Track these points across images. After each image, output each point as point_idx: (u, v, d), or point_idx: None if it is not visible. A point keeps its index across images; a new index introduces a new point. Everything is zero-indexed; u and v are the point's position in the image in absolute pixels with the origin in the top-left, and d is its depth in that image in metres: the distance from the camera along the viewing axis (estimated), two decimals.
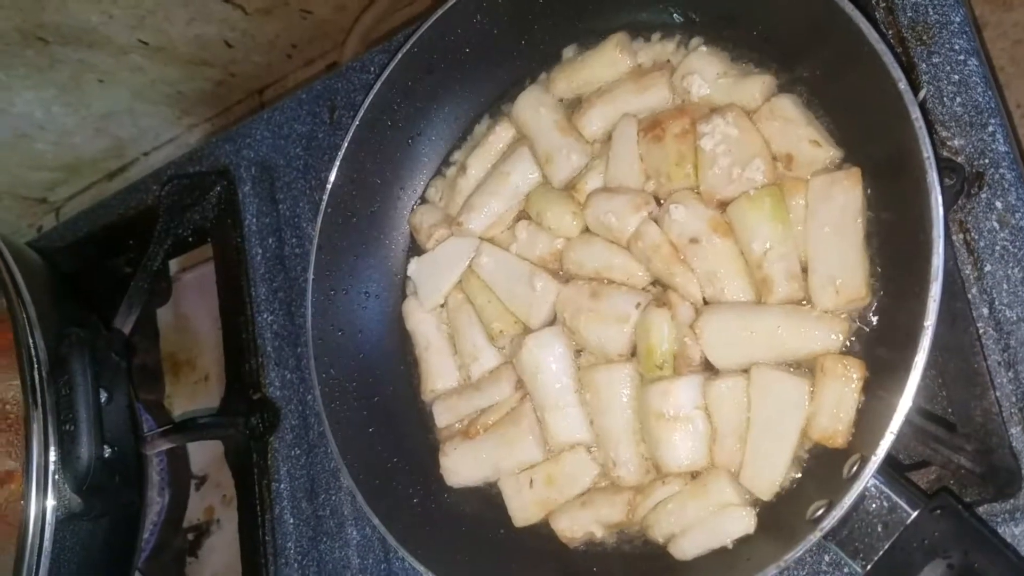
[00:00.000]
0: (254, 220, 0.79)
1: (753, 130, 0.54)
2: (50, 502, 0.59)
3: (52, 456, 0.58)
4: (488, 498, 0.59)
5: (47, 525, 0.59)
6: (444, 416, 0.61)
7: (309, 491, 0.73)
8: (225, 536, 0.91)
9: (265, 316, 0.77)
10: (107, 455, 0.58)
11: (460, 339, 0.61)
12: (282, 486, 0.74)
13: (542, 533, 0.57)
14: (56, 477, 0.58)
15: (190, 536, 0.88)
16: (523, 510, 0.56)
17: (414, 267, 0.63)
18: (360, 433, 0.61)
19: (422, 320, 0.63)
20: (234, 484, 0.76)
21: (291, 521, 0.74)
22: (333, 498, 0.72)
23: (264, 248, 0.78)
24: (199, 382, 0.92)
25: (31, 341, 0.60)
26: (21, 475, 0.74)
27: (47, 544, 0.59)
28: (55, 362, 0.57)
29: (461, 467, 0.59)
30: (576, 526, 0.54)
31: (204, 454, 0.93)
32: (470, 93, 0.64)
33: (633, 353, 0.54)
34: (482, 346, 0.60)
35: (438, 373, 0.62)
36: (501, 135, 0.63)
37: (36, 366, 0.59)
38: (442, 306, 0.63)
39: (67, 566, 0.60)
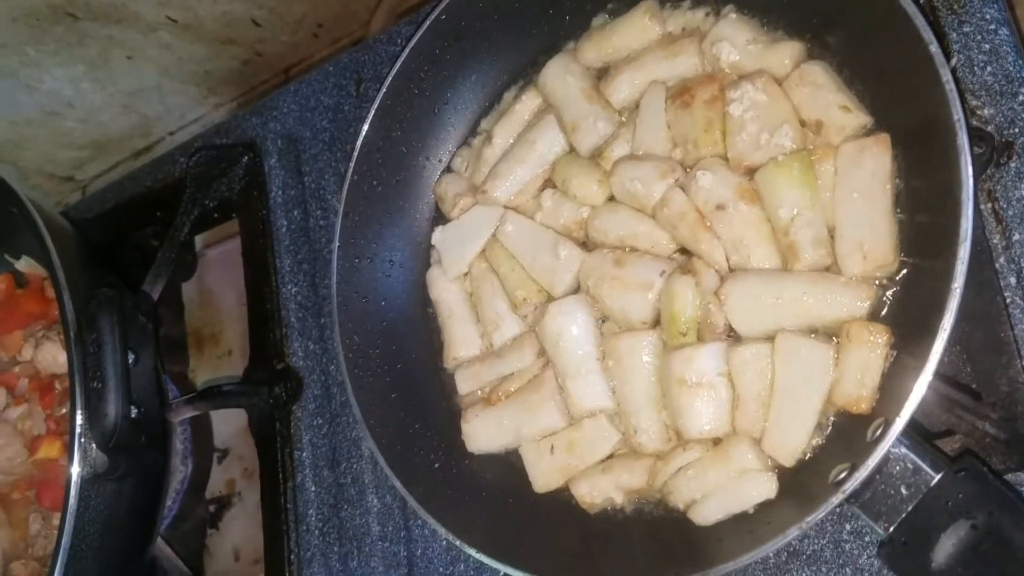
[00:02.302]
0: (280, 192, 0.79)
1: (782, 96, 0.54)
2: (76, 459, 0.60)
3: (80, 414, 0.59)
4: (508, 464, 0.60)
5: (72, 483, 0.60)
6: (466, 383, 0.61)
7: (331, 459, 0.74)
8: (246, 508, 0.92)
9: (289, 287, 0.78)
10: (133, 415, 0.59)
11: (483, 307, 0.62)
12: (304, 454, 0.75)
13: (562, 499, 0.57)
14: (82, 436, 0.59)
15: (211, 508, 0.89)
16: (543, 476, 0.57)
17: (438, 236, 0.64)
18: (383, 399, 0.62)
19: (446, 288, 0.63)
20: (257, 453, 0.77)
21: (313, 489, 0.75)
22: (354, 466, 0.73)
23: (289, 220, 0.79)
24: (222, 356, 0.93)
25: (61, 301, 0.61)
26: (55, 439, 0.76)
27: (72, 501, 0.60)
28: (83, 322, 0.58)
29: (482, 433, 0.59)
30: (596, 492, 0.54)
31: (226, 428, 0.94)
32: (498, 61, 0.64)
33: (657, 321, 0.55)
34: (505, 314, 0.61)
35: (461, 341, 0.62)
36: (528, 104, 0.63)
37: (65, 326, 0.60)
38: (466, 274, 0.63)
39: (91, 525, 0.61)
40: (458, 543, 0.54)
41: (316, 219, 0.77)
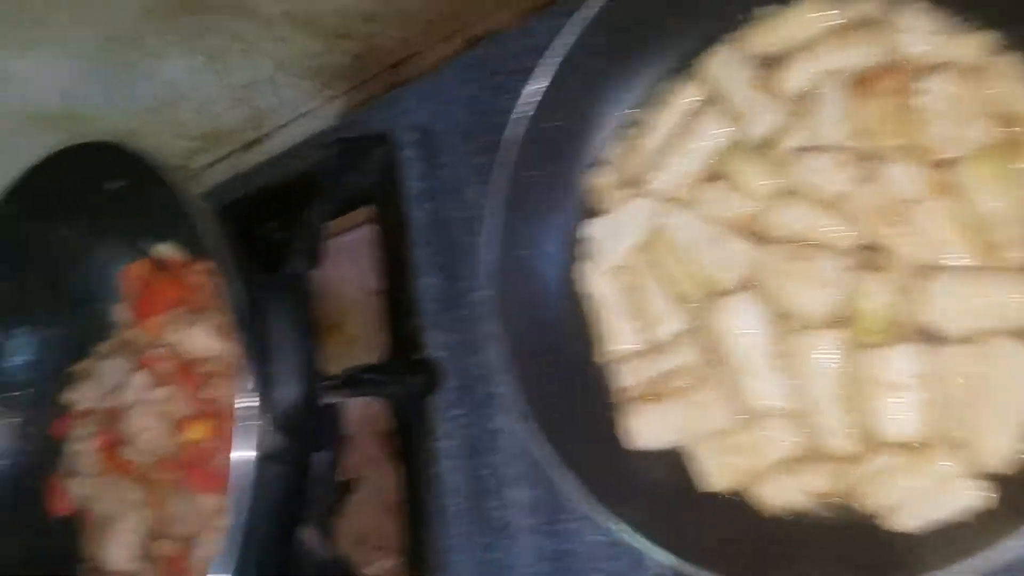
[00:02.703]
0: (415, 184, 0.80)
1: (974, 89, 0.52)
2: (249, 441, 0.61)
3: (251, 396, 0.61)
4: (671, 462, 0.59)
5: (246, 464, 0.61)
6: (625, 378, 0.60)
7: (471, 451, 0.74)
8: (370, 495, 0.93)
9: (425, 279, 0.78)
10: (303, 398, 0.60)
11: (642, 302, 0.61)
12: (442, 445, 0.76)
13: (731, 499, 0.56)
14: (256, 418, 0.60)
15: (338, 493, 0.91)
16: (713, 476, 0.56)
17: (592, 228, 0.63)
18: (542, 392, 0.61)
19: (600, 282, 0.63)
20: (395, 442, 0.78)
21: (451, 478, 0.75)
22: (495, 458, 0.73)
23: (424, 212, 0.79)
24: (347, 345, 0.95)
25: (233, 283, 0.62)
26: (202, 421, 0.78)
27: (249, 485, 0.61)
28: (252, 305, 0.59)
29: (645, 430, 0.58)
30: (774, 494, 0.53)
31: (349, 415, 0.95)
32: (657, 52, 0.63)
33: (837, 319, 0.53)
34: (667, 309, 0.60)
35: (617, 335, 0.62)
36: (690, 93, 0.62)
37: (239, 308, 0.62)
38: (622, 268, 0.63)
39: (259, 507, 0.62)
40: (637, 537, 0.53)
41: (452, 211, 0.78)
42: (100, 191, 0.78)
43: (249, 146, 1.35)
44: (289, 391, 0.59)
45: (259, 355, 0.62)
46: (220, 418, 0.78)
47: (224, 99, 1.23)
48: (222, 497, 0.78)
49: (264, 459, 0.62)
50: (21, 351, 0.88)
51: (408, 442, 0.77)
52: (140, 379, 0.82)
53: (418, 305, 0.78)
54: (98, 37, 1.03)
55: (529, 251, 0.64)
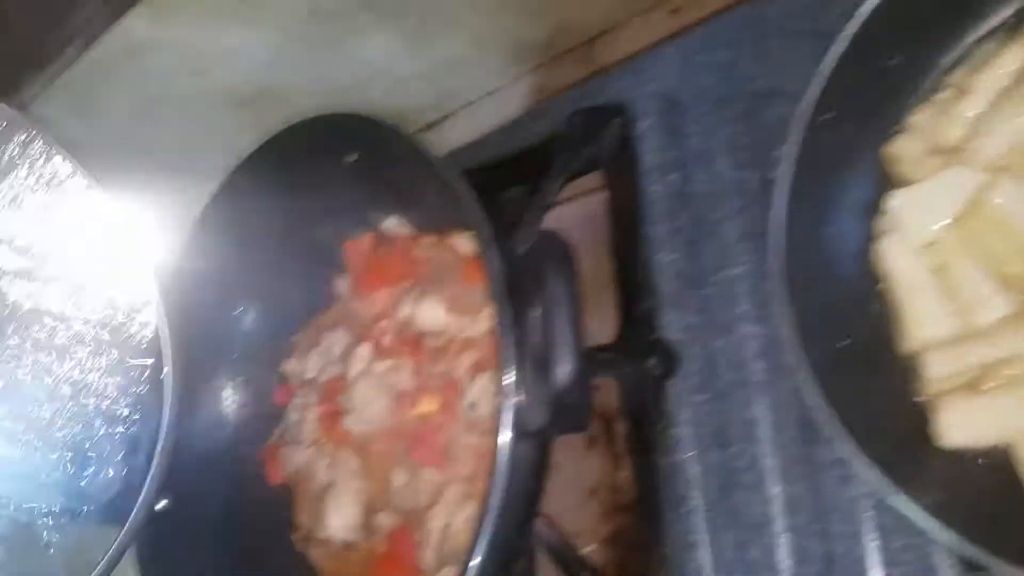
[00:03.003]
0: (654, 156, 0.76)
1: None
2: (510, 421, 0.59)
3: (513, 372, 0.58)
4: (994, 462, 0.53)
5: (508, 445, 0.59)
6: (937, 367, 0.55)
7: (718, 440, 0.70)
8: (563, 477, 0.91)
9: (663, 255, 0.74)
10: (566, 375, 0.57)
11: (959, 283, 0.55)
12: (683, 432, 0.72)
13: None
14: (519, 392, 0.58)
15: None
16: None
17: (899, 199, 0.57)
18: (833, 382, 0.56)
19: (905, 260, 0.57)
20: (628, 427, 0.75)
21: (694, 470, 0.71)
22: (750, 450, 0.68)
23: (665, 185, 0.75)
24: None
25: (495, 252, 0.60)
26: (430, 395, 0.77)
27: (504, 464, 0.59)
28: (511, 275, 0.57)
29: (963, 425, 0.52)
30: None
31: None
32: (975, 10, 0.57)
33: None
34: (989, 291, 0.53)
35: (927, 319, 0.56)
36: (1016, 55, 0.55)
37: (498, 278, 0.59)
38: (932, 244, 0.57)
39: (515, 485, 0.60)
40: (960, 540, 0.47)
41: (699, 184, 0.73)
42: (336, 163, 0.78)
43: (430, 126, 1.35)
44: (551, 367, 0.56)
45: (520, 328, 0.60)
46: (449, 393, 0.76)
47: (416, 78, 1.23)
48: (448, 472, 0.77)
49: (522, 437, 0.60)
50: (247, 320, 0.90)
51: (641, 429, 0.73)
52: (364, 351, 0.82)
53: (654, 283, 0.74)
54: (302, 11, 1.04)
55: (821, 224, 0.59)
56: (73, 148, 1.17)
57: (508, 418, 0.59)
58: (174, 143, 1.19)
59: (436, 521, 0.74)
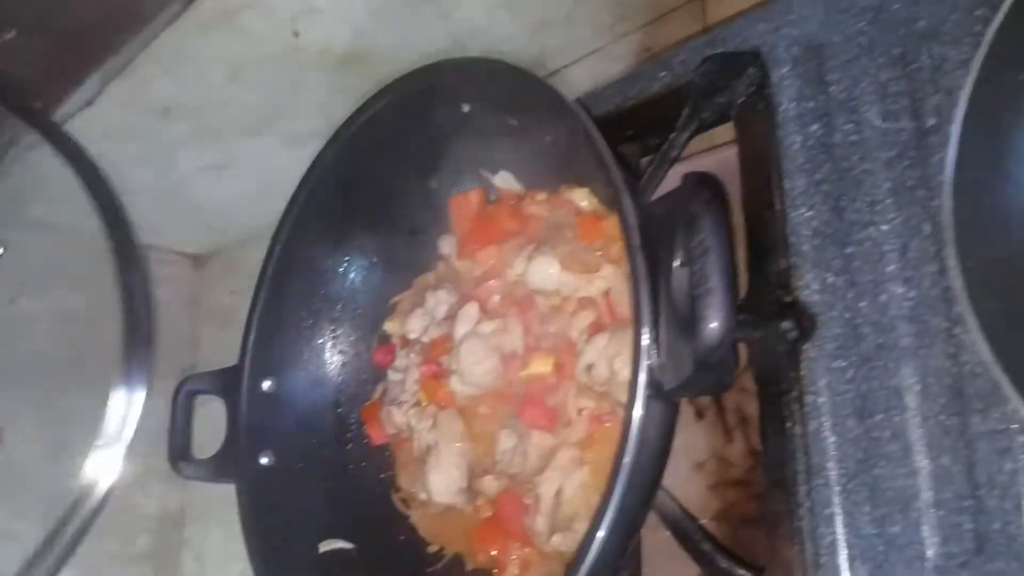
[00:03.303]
0: (792, 105, 0.71)
1: None
2: (644, 383, 0.55)
3: (647, 330, 0.54)
4: None
5: (641, 408, 0.55)
6: None
7: (859, 409, 0.65)
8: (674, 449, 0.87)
9: (801, 211, 0.69)
10: (711, 335, 0.53)
11: None
12: (820, 400, 0.67)
13: None
14: (652, 350, 0.54)
15: None
16: None
17: None
18: (1008, 340, 0.51)
19: None
20: (757, 392, 0.71)
21: (832, 439, 0.66)
22: (896, 419, 0.63)
23: (805, 136, 0.70)
24: None
25: (629, 200, 0.56)
26: (543, 356, 0.73)
27: (637, 428, 0.55)
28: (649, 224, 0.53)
29: None
30: None
31: None
32: None
33: None
34: None
35: None
36: None
37: (633, 227, 0.55)
38: None
39: (646, 448, 0.57)
40: None
41: (845, 134, 0.68)
42: (450, 114, 0.75)
43: None
44: (726, 321, 0.51)
45: (657, 281, 0.56)
46: (563, 354, 0.73)
47: (515, 38, 1.18)
48: (559, 436, 0.74)
49: (655, 401, 0.56)
50: (350, 276, 0.88)
51: (772, 395, 0.68)
52: (471, 311, 0.79)
53: (790, 241, 0.69)
54: None
55: (994, 174, 0.53)
56: (165, 111, 1.18)
57: (642, 380, 0.55)
58: (265, 106, 1.18)
59: (547, 486, 0.71)
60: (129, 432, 0.91)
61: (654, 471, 0.61)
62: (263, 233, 1.47)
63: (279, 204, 1.39)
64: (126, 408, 0.88)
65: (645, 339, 0.55)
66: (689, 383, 0.53)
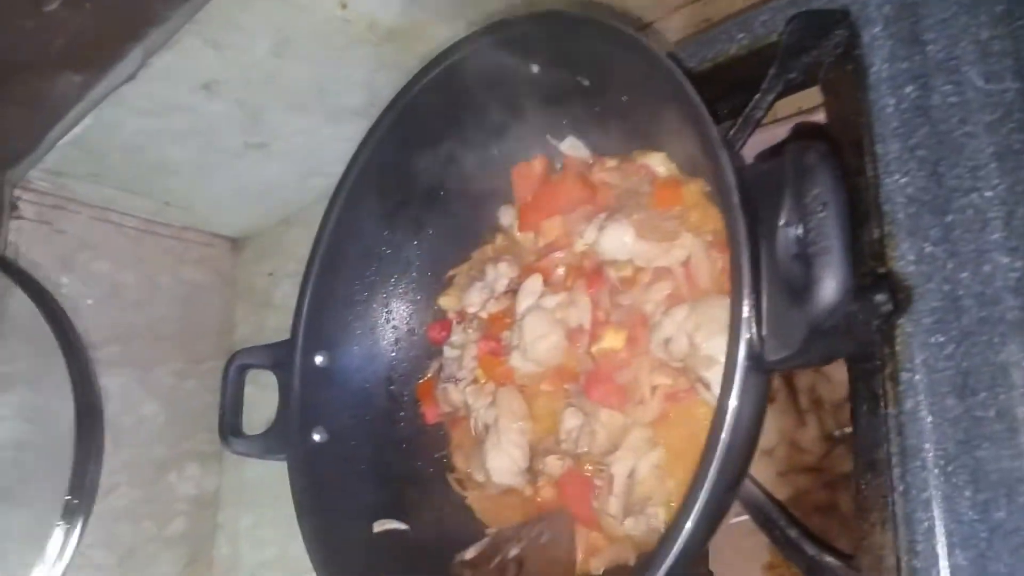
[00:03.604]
0: (885, 66, 0.67)
1: None
2: (742, 357, 0.51)
3: (749, 294, 0.51)
4: None
5: (736, 385, 0.51)
6: None
7: (959, 387, 0.61)
8: None
9: (896, 178, 0.65)
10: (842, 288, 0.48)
11: None
12: (916, 377, 0.63)
13: None
14: (752, 317, 0.50)
15: None
16: None
17: None
18: None
19: None
20: (848, 370, 0.67)
21: (929, 419, 0.62)
22: (1001, 398, 0.59)
23: (898, 98, 0.66)
24: None
25: (726, 156, 0.52)
26: (614, 330, 0.70)
27: (733, 407, 0.51)
28: (793, 179, 0.49)
29: None
30: None
31: None
32: None
33: None
34: None
35: None
36: None
37: (733, 191, 0.52)
38: None
39: (740, 434, 0.53)
40: None
41: (943, 96, 0.63)
42: (517, 75, 0.72)
43: None
44: (845, 282, 0.47)
45: (757, 245, 0.52)
46: (636, 328, 0.69)
47: (566, 5, 1.15)
48: (631, 414, 0.70)
49: (753, 375, 0.53)
50: (406, 246, 0.85)
51: (864, 372, 0.65)
52: (534, 284, 0.75)
53: (884, 209, 0.65)
54: None
55: None
56: (207, 86, 1.16)
57: (742, 353, 0.51)
58: (309, 82, 1.15)
59: (621, 467, 0.68)
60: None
61: (745, 453, 0.57)
62: (302, 214, 1.46)
63: (320, 184, 1.37)
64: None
65: (746, 309, 0.51)
66: (799, 353, 0.49)
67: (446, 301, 0.85)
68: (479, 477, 0.79)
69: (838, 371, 0.81)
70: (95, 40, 1.09)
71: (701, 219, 0.66)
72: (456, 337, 0.83)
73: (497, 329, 0.79)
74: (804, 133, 0.55)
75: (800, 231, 0.48)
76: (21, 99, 1.18)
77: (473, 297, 0.81)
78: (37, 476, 1.13)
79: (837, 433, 0.78)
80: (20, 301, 1.13)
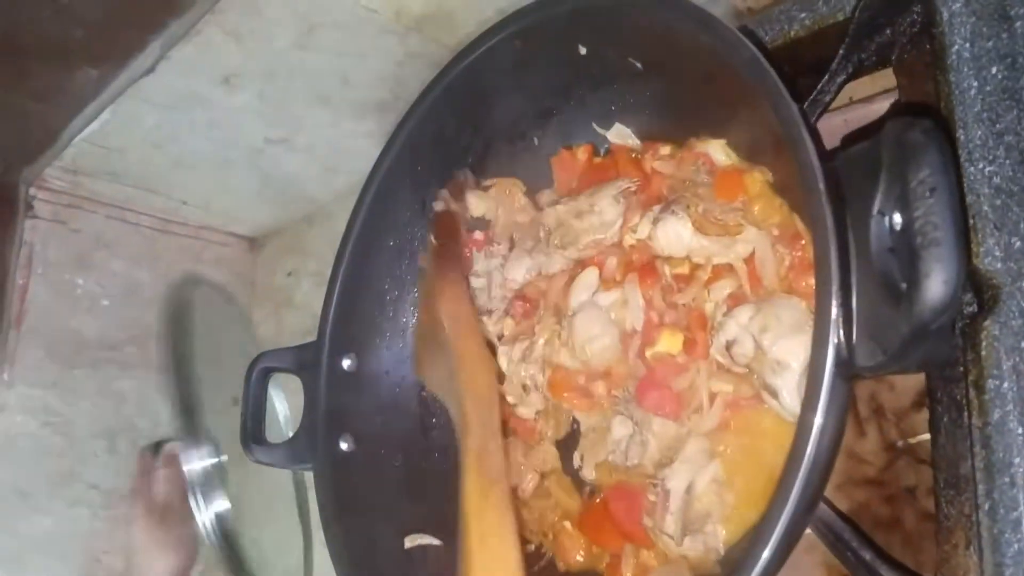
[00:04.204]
0: (966, 45, 0.61)
1: None
2: (832, 349, 0.46)
3: (837, 289, 0.45)
4: None
5: (827, 376, 0.46)
6: None
7: None
8: None
9: (980, 166, 0.60)
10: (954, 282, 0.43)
11: None
12: (1004, 385, 0.57)
13: None
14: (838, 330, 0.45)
15: None
16: None
17: None
18: None
19: None
20: (925, 376, 0.62)
21: (1019, 431, 0.56)
22: None
23: (982, 80, 0.60)
24: None
25: (806, 134, 0.47)
26: (672, 331, 0.65)
27: (823, 402, 0.46)
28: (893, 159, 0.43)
29: None
30: None
31: None
32: None
33: None
34: None
35: None
36: None
37: (817, 179, 0.47)
38: None
39: (826, 439, 0.48)
40: None
41: None
42: (564, 58, 0.67)
43: None
44: (957, 274, 0.42)
45: (846, 239, 0.47)
46: (693, 329, 0.64)
47: None
48: (687, 424, 0.65)
49: (839, 385, 0.47)
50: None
51: (944, 381, 0.59)
52: (589, 278, 0.70)
53: (967, 201, 0.60)
54: None
55: None
56: (228, 79, 1.12)
57: (830, 359, 0.46)
58: (332, 74, 1.11)
59: (677, 481, 0.62)
60: None
61: (827, 471, 0.51)
62: (323, 212, 1.42)
63: (342, 181, 1.33)
64: None
65: (834, 309, 0.46)
66: (895, 358, 0.43)
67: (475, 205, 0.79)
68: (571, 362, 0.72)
69: (902, 378, 0.76)
70: (113, 32, 1.06)
71: (765, 211, 0.61)
72: (479, 265, 0.77)
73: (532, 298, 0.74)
74: (905, 110, 0.50)
75: (899, 221, 0.43)
76: (38, 94, 1.15)
77: (518, 271, 0.75)
78: None
79: (900, 444, 0.73)
80: None
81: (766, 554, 0.45)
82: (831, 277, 0.45)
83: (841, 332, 0.45)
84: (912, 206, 0.41)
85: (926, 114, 0.49)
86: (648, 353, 0.65)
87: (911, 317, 0.41)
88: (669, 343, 0.63)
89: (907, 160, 0.42)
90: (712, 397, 0.62)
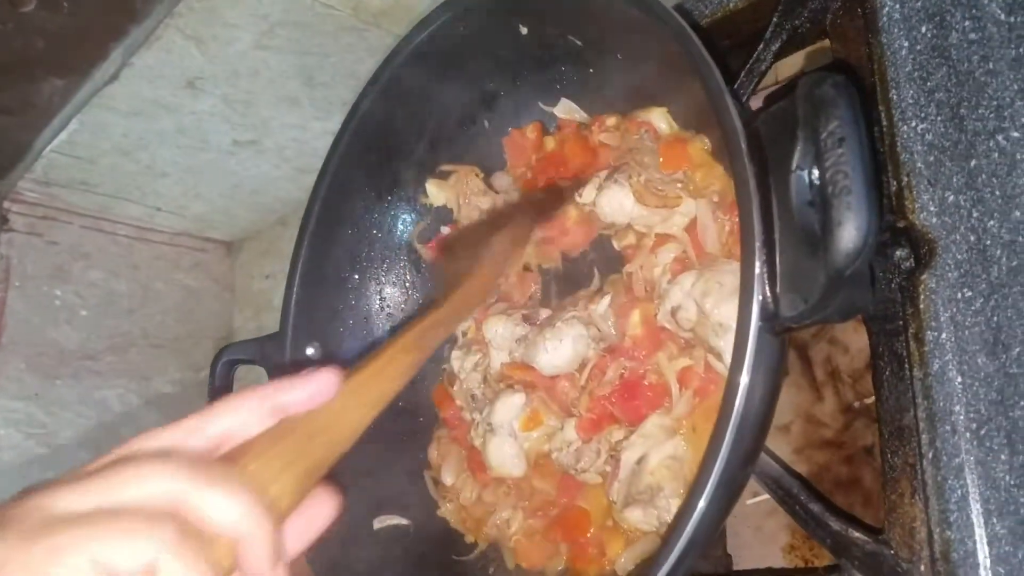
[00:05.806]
0: (895, 7, 0.62)
1: None
2: (757, 304, 0.47)
3: (760, 258, 0.46)
4: None
5: (752, 333, 0.47)
6: None
7: (990, 343, 0.56)
8: None
9: (913, 124, 0.61)
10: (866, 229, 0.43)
11: None
12: (943, 336, 0.58)
13: None
14: (771, 283, 0.46)
15: None
16: None
17: None
18: None
19: None
20: (867, 332, 0.62)
21: (959, 380, 0.57)
22: None
23: (912, 40, 0.62)
24: None
25: (728, 100, 0.48)
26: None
27: (750, 354, 0.47)
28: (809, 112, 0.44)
29: None
30: None
31: None
32: None
33: None
34: None
35: None
36: None
37: (738, 136, 0.48)
38: None
39: (757, 392, 0.49)
40: None
41: (962, 33, 0.59)
42: (505, 39, 0.68)
43: None
44: (869, 223, 0.42)
45: (768, 195, 0.48)
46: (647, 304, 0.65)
47: None
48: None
49: (768, 337, 0.48)
50: (397, 230, 0.81)
51: (886, 332, 0.60)
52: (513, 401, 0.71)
53: (901, 159, 0.61)
54: None
55: None
56: (192, 83, 1.13)
57: (755, 313, 0.47)
58: (295, 74, 1.12)
59: (630, 452, 0.63)
60: None
61: (761, 423, 0.53)
62: (297, 214, 1.41)
63: (313, 181, 1.35)
64: None
65: (758, 265, 0.47)
66: (817, 307, 0.44)
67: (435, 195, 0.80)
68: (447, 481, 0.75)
69: (856, 339, 0.77)
70: (75, 41, 1.06)
71: (706, 179, 0.62)
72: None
73: None
74: (821, 67, 0.51)
75: (816, 174, 0.44)
76: (5, 107, 1.15)
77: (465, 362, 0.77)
78: None
79: (857, 404, 0.74)
80: None
81: (701, 504, 0.46)
82: (754, 236, 0.46)
83: (767, 287, 0.46)
84: (824, 158, 0.42)
85: (839, 68, 0.50)
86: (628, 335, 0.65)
87: (827, 266, 0.42)
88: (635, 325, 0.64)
89: (818, 114, 0.43)
90: (679, 380, 0.63)
